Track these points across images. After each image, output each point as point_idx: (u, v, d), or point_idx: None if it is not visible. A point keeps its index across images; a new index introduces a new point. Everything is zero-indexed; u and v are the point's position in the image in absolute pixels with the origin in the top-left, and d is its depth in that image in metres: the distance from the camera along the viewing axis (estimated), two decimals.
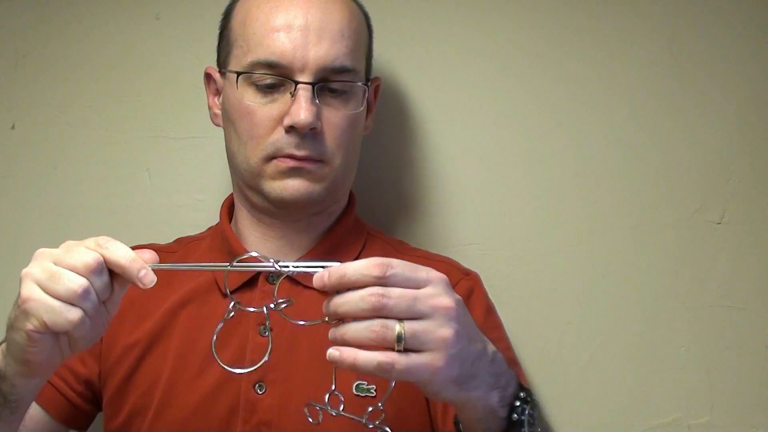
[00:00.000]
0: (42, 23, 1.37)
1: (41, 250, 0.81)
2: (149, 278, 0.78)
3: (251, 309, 0.84)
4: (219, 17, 1.12)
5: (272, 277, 1.04)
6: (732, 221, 1.25)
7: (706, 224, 1.26)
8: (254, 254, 0.82)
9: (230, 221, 1.13)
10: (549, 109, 1.29)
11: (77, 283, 0.77)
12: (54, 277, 0.77)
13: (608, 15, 1.28)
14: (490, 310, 1.12)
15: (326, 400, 0.81)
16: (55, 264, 0.78)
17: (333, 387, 0.80)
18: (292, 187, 1.02)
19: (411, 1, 1.31)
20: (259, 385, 1.00)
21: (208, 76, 1.12)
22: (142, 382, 1.04)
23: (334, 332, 0.75)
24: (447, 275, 1.08)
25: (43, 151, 1.36)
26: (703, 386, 1.24)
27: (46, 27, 1.37)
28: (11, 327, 0.81)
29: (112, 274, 0.80)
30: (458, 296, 0.78)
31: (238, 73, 1.03)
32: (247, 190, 1.07)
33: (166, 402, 1.02)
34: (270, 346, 0.83)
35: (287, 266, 0.79)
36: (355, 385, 0.99)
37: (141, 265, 0.78)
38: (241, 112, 1.03)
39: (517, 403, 0.83)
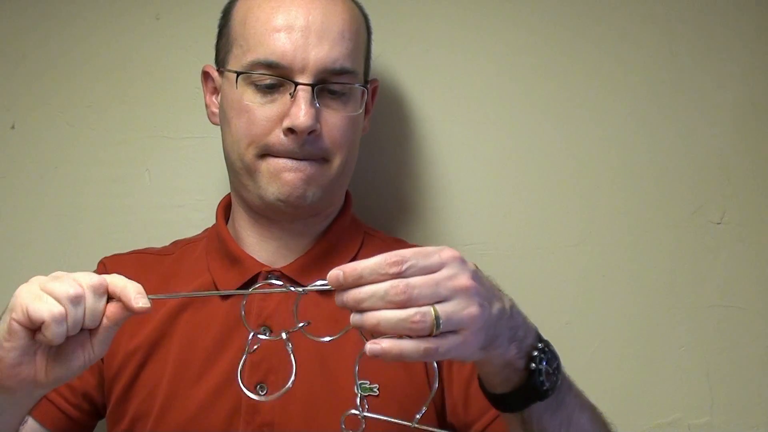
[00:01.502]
0: (42, 23, 1.37)
1: (59, 272, 0.82)
2: (143, 301, 0.78)
3: (270, 337, 0.84)
4: (218, 17, 1.11)
5: (272, 278, 1.04)
6: (731, 221, 1.25)
7: (706, 224, 1.26)
8: (277, 283, 0.83)
9: (227, 222, 1.13)
10: (548, 110, 1.29)
11: (74, 287, 0.77)
12: (56, 279, 0.78)
13: (608, 16, 1.28)
14: None
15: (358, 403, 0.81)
16: (64, 274, 0.80)
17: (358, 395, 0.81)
18: (288, 183, 1.02)
19: (409, 2, 1.31)
20: (261, 387, 1.00)
21: (205, 75, 1.12)
22: (143, 387, 1.04)
23: (361, 321, 0.75)
24: None
25: (43, 151, 1.36)
26: (703, 386, 1.24)
27: (46, 27, 1.37)
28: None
29: (106, 306, 0.80)
30: (472, 266, 0.78)
31: (238, 73, 1.03)
32: (243, 190, 1.07)
33: (168, 406, 1.02)
34: (294, 368, 0.83)
35: (302, 289, 0.80)
36: (356, 384, 0.99)
37: (139, 290, 0.79)
38: (239, 111, 1.03)
39: (535, 353, 0.84)
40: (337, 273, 0.75)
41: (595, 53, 1.28)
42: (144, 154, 1.34)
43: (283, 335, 0.82)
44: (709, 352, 1.24)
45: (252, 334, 0.82)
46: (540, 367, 0.84)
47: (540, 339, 0.87)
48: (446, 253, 0.76)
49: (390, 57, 1.29)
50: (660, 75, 1.27)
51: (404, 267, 0.74)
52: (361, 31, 1.08)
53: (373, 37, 1.13)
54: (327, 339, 0.81)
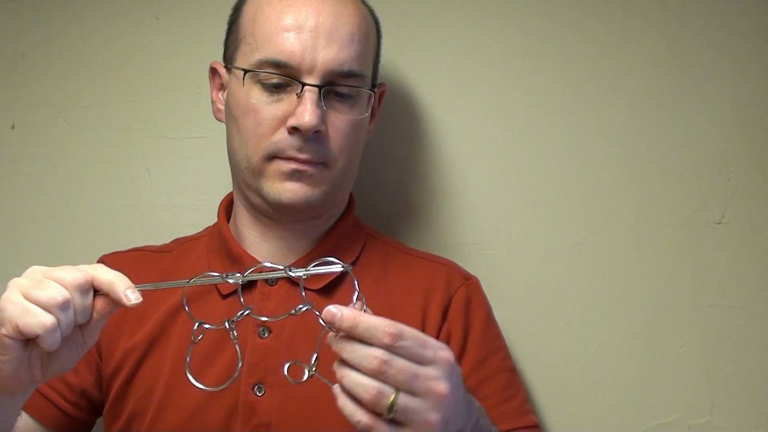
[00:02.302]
0: (42, 23, 1.37)
1: (34, 266, 0.81)
2: (135, 296, 0.78)
3: (212, 326, 0.84)
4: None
5: (272, 279, 1.04)
6: (732, 221, 1.25)
7: (706, 224, 1.26)
8: (268, 265, 0.84)
9: (228, 221, 1.13)
10: (549, 110, 1.29)
11: (59, 292, 0.77)
12: (38, 285, 0.78)
13: (609, 16, 1.28)
14: (489, 318, 1.12)
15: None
16: (44, 276, 0.79)
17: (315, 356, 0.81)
18: (291, 190, 1.02)
19: (414, 5, 1.31)
20: (258, 387, 1.00)
21: (213, 71, 1.12)
22: (141, 385, 1.04)
23: (337, 366, 0.77)
24: (447, 279, 1.09)
25: (43, 151, 1.36)
26: (703, 386, 1.24)
27: (46, 27, 1.37)
28: None
29: (95, 301, 0.80)
30: (457, 376, 0.78)
31: (245, 71, 1.02)
32: (246, 189, 1.07)
33: (165, 404, 1.02)
34: (239, 355, 0.84)
35: (294, 270, 0.80)
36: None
37: (128, 284, 0.79)
38: (245, 110, 1.03)
39: None
40: (334, 313, 0.75)
41: (597, 54, 1.28)
42: (144, 154, 1.34)
43: (226, 324, 0.83)
44: (709, 352, 1.24)
45: (197, 324, 0.82)
46: None
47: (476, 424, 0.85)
48: (443, 353, 0.77)
49: (394, 59, 1.29)
50: (660, 75, 1.27)
51: (397, 344, 0.74)
52: (371, 35, 1.08)
53: (381, 40, 1.13)
54: (264, 318, 0.85)
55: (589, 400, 1.25)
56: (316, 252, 1.07)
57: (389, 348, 0.74)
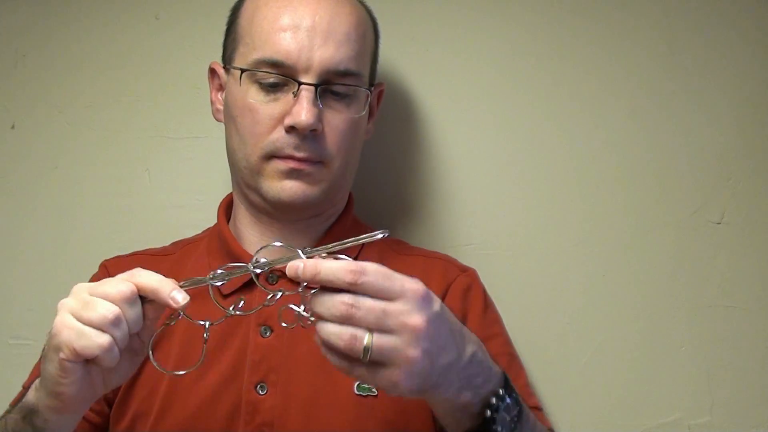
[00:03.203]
0: (42, 23, 1.37)
1: (79, 284, 0.81)
2: (181, 296, 0.78)
3: (196, 321, 0.84)
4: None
5: (272, 278, 1.04)
6: (732, 221, 1.25)
7: (706, 224, 1.26)
8: (277, 245, 0.84)
9: (228, 221, 1.13)
10: (549, 110, 1.29)
11: (109, 309, 0.77)
12: (87, 306, 0.78)
13: (609, 16, 1.28)
14: (487, 306, 1.12)
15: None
16: (90, 294, 0.79)
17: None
18: (290, 189, 1.02)
19: (413, 5, 1.31)
20: (261, 386, 1.00)
21: (212, 71, 1.12)
22: (144, 385, 1.04)
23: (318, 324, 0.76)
24: (444, 272, 1.09)
25: (43, 151, 1.36)
26: (703, 386, 1.24)
27: (46, 27, 1.37)
28: (44, 358, 0.81)
29: (145, 308, 0.80)
30: (436, 308, 0.76)
31: (242, 70, 1.03)
32: (245, 188, 1.07)
33: (168, 404, 1.01)
34: (204, 349, 0.84)
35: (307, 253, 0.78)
36: (356, 384, 0.99)
37: (173, 286, 0.79)
38: (243, 109, 1.03)
39: (493, 401, 0.82)
40: (297, 265, 0.74)
41: (596, 54, 1.28)
42: (144, 154, 1.34)
43: (206, 324, 0.84)
44: (709, 352, 1.24)
45: (180, 315, 0.82)
46: (495, 415, 0.81)
47: (505, 386, 0.84)
48: (411, 284, 0.75)
49: (393, 59, 1.29)
50: (660, 75, 1.27)
51: (360, 280, 0.73)
52: (368, 35, 1.08)
53: (380, 40, 1.13)
54: (201, 323, 0.83)
55: (589, 400, 1.25)
56: None
57: (353, 286, 0.73)
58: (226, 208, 1.14)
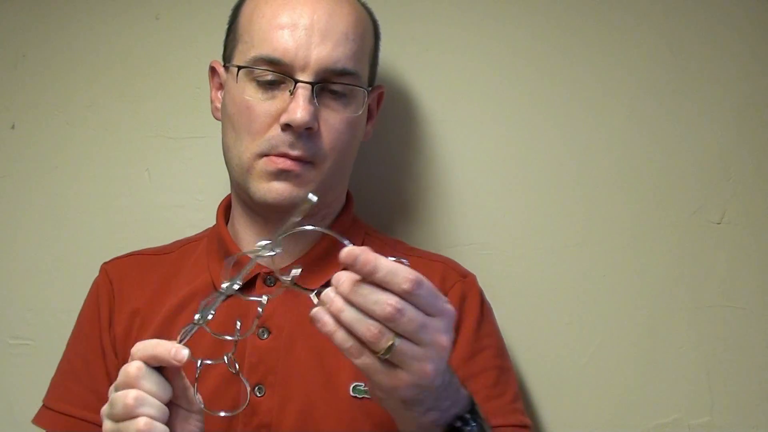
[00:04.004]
0: (42, 23, 1.37)
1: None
2: (180, 354, 0.79)
3: (212, 362, 0.85)
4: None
5: (270, 279, 1.04)
6: (732, 221, 1.25)
7: (706, 224, 1.26)
8: (263, 247, 0.82)
9: (226, 222, 1.13)
10: (549, 110, 1.29)
11: (127, 395, 0.78)
12: (113, 404, 0.80)
13: (609, 16, 1.28)
14: (484, 317, 1.11)
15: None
16: (114, 391, 0.81)
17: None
18: (276, 190, 1.01)
19: (412, 5, 1.31)
20: (259, 388, 1.00)
21: (212, 70, 1.12)
22: None
23: (329, 297, 0.76)
24: (443, 277, 1.09)
25: (43, 151, 1.36)
26: (703, 386, 1.24)
27: (46, 27, 1.37)
28: None
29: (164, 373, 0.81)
30: (452, 333, 0.78)
31: (240, 67, 1.03)
32: (238, 187, 1.07)
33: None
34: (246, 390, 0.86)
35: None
36: (352, 386, 0.99)
37: (169, 347, 0.80)
38: (240, 107, 1.03)
39: (458, 424, 0.84)
40: (355, 253, 0.74)
41: (596, 54, 1.28)
42: (144, 154, 1.34)
43: (225, 359, 0.84)
44: (709, 352, 1.24)
45: (199, 361, 0.83)
46: None
47: (471, 410, 0.85)
48: (449, 306, 0.78)
49: (392, 59, 1.29)
50: (660, 75, 1.27)
51: (416, 291, 0.74)
52: (367, 35, 1.08)
53: (380, 42, 1.12)
54: (229, 337, 0.83)
55: (589, 400, 1.25)
56: (314, 251, 1.07)
57: (407, 294, 0.74)
58: (225, 209, 1.14)
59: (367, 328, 0.74)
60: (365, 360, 0.76)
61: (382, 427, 0.98)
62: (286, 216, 1.05)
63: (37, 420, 1.07)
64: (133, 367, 0.79)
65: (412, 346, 0.75)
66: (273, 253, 0.80)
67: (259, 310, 0.82)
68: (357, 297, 0.74)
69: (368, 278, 0.74)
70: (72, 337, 1.12)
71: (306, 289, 0.80)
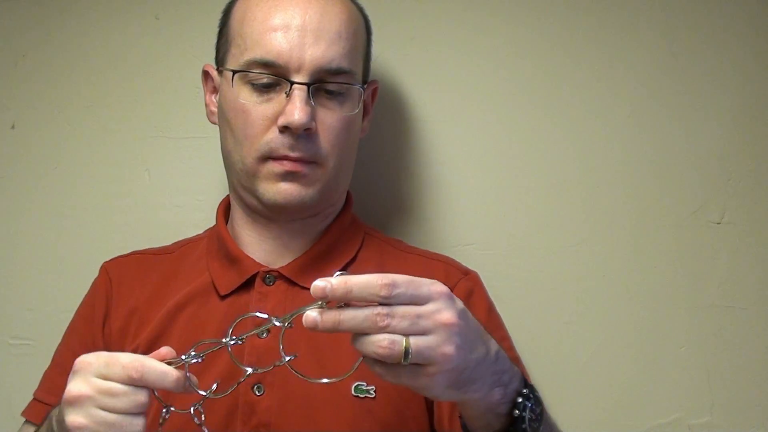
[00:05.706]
0: (42, 23, 1.37)
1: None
2: (178, 384, 0.81)
3: (180, 411, 0.86)
4: (218, 17, 1.12)
5: (269, 278, 1.04)
6: (732, 221, 1.25)
7: (706, 224, 1.26)
8: (262, 316, 0.84)
9: (227, 222, 1.13)
10: (548, 110, 1.29)
11: (132, 400, 0.80)
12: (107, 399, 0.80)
13: (608, 16, 1.28)
14: (491, 310, 1.12)
15: None
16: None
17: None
18: (286, 191, 1.02)
19: (408, 3, 1.31)
20: (258, 387, 1.00)
21: (205, 74, 1.12)
22: None
23: (353, 341, 0.76)
24: (446, 275, 1.09)
25: (43, 151, 1.36)
26: (703, 386, 1.24)
27: (46, 27, 1.37)
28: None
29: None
30: (460, 305, 0.78)
31: (234, 71, 1.03)
32: (241, 190, 1.07)
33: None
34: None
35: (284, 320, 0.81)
36: (354, 386, 0.99)
37: (166, 372, 0.80)
38: (236, 111, 1.03)
39: (519, 399, 0.84)
40: (323, 285, 0.74)
41: (596, 53, 1.28)
42: (144, 154, 1.34)
43: (191, 409, 0.86)
44: (709, 352, 1.24)
45: (165, 409, 0.85)
46: (524, 414, 0.83)
47: (525, 384, 0.86)
48: (436, 287, 0.77)
49: (389, 57, 1.29)
50: (660, 75, 1.27)
51: (394, 292, 0.74)
52: (360, 32, 1.08)
53: (373, 38, 1.13)
54: (325, 381, 0.83)
55: (589, 400, 1.25)
56: (314, 250, 1.07)
57: (387, 299, 0.74)
58: (225, 209, 1.14)
59: (378, 345, 0.73)
60: (403, 377, 0.75)
61: (384, 427, 0.98)
62: (291, 217, 1.06)
63: (27, 412, 1.08)
64: (141, 396, 0.80)
65: (422, 338, 0.74)
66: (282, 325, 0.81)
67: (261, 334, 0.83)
68: (349, 324, 0.74)
69: (346, 300, 0.74)
70: (66, 331, 1.13)
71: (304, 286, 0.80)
